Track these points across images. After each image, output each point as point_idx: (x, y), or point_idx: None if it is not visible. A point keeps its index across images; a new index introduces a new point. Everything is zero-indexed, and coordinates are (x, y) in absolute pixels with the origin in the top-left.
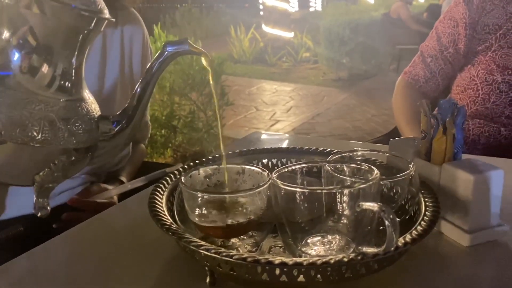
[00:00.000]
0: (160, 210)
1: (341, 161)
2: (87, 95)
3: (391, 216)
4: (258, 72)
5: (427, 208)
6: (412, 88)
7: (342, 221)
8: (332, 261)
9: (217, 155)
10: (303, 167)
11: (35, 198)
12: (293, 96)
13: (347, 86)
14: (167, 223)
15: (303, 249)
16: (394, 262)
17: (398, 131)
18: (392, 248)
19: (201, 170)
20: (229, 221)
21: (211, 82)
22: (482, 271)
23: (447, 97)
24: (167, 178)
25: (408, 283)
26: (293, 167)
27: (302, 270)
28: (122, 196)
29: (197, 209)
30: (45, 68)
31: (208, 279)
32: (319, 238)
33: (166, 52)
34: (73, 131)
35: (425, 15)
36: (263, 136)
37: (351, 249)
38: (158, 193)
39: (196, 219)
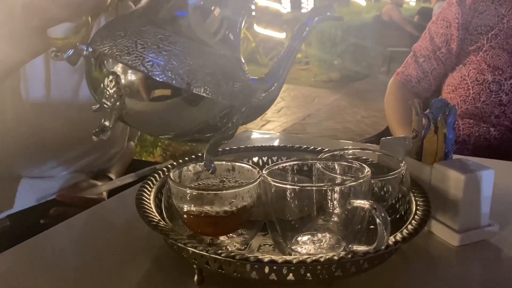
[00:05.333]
0: (148, 207)
1: (332, 159)
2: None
3: (382, 214)
4: (249, 72)
5: (418, 207)
6: (404, 88)
7: (332, 219)
8: (322, 259)
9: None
10: (294, 164)
11: (205, 154)
12: (284, 96)
13: (338, 87)
14: (155, 220)
15: (293, 247)
16: (384, 261)
17: (388, 132)
18: (383, 247)
19: (191, 167)
20: (218, 219)
21: None
22: (471, 271)
23: (439, 97)
24: (155, 174)
25: (398, 282)
26: (284, 165)
27: (292, 268)
28: (111, 193)
29: (185, 205)
30: (216, 12)
31: (196, 278)
32: (310, 236)
33: (316, 17)
34: (231, 87)
35: (416, 18)
36: (254, 135)
37: (342, 248)
38: (146, 190)
39: (185, 216)
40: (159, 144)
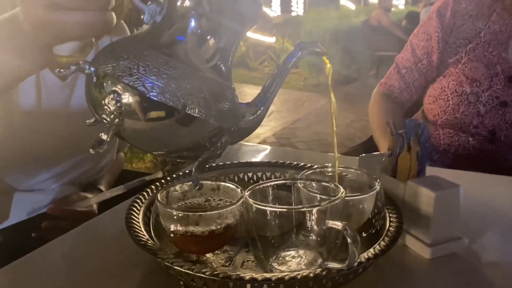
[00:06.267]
0: (136, 226)
1: (311, 179)
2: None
3: (352, 234)
4: (239, 76)
5: (391, 223)
6: (387, 98)
7: (310, 237)
8: (299, 277)
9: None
10: (275, 184)
11: (194, 172)
12: (274, 100)
13: (327, 91)
14: (143, 239)
15: (274, 264)
16: (359, 275)
17: (372, 140)
18: (355, 264)
19: (177, 187)
20: (203, 238)
21: (329, 82)
22: (442, 283)
23: (420, 107)
24: (144, 193)
25: None
26: (266, 185)
27: (272, 285)
28: (101, 204)
29: (172, 225)
30: (211, 41)
31: None
32: (290, 252)
33: (300, 52)
34: (222, 110)
35: (404, 22)
36: (242, 148)
37: (319, 264)
38: (135, 209)
39: (172, 235)
40: None
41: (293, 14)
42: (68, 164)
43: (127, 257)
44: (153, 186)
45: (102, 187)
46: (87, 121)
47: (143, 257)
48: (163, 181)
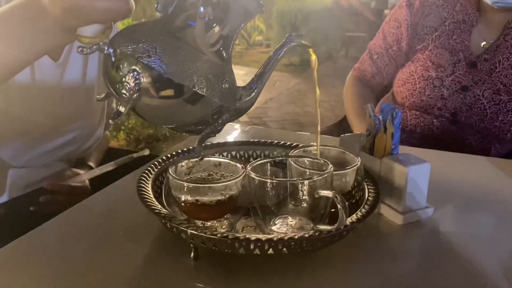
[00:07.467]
0: (148, 198)
1: (301, 156)
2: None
3: (341, 201)
4: None
5: (369, 194)
6: (360, 82)
7: (302, 205)
8: (296, 237)
9: (191, 147)
10: (271, 160)
11: (197, 144)
12: (246, 80)
13: (299, 71)
14: (157, 208)
15: (271, 227)
16: (344, 237)
17: (346, 120)
18: (342, 227)
19: (184, 163)
20: (210, 206)
21: (315, 74)
22: (411, 244)
23: (390, 90)
24: (149, 168)
25: (354, 254)
26: (263, 161)
27: (272, 244)
28: (92, 180)
29: (183, 196)
30: (216, 28)
31: (192, 254)
32: (284, 219)
33: (289, 43)
34: (224, 91)
35: (373, 4)
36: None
37: (310, 228)
38: (143, 182)
39: (182, 204)
40: (122, 128)
41: None
42: (60, 141)
43: (134, 227)
44: (156, 163)
45: (91, 163)
46: (97, 96)
47: (150, 225)
48: (164, 157)
